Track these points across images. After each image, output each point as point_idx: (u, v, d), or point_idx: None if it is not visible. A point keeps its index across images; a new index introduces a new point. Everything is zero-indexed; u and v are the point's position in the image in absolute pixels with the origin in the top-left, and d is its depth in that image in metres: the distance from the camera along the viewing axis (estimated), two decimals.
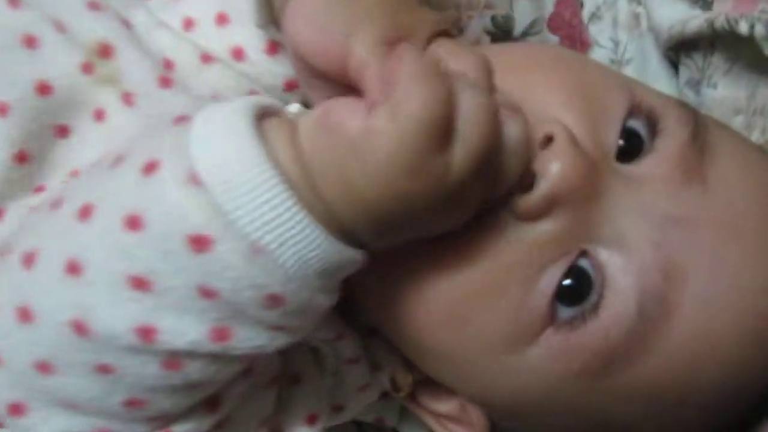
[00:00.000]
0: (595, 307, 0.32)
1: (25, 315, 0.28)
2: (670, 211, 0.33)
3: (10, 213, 0.33)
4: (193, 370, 0.28)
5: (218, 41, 0.36)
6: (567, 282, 0.32)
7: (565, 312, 0.32)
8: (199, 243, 0.25)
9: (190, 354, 0.27)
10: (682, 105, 0.37)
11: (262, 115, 0.28)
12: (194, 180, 0.25)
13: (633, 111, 0.35)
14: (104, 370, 0.28)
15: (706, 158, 0.35)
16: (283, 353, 0.36)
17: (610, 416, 0.35)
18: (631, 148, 0.35)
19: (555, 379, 0.34)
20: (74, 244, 0.27)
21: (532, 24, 0.49)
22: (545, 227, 0.32)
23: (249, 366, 0.32)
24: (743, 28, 0.41)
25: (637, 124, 0.35)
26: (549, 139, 0.31)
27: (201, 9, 0.36)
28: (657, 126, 0.35)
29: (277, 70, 0.36)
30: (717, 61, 0.45)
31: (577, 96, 0.34)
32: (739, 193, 0.34)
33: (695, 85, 0.47)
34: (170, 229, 0.25)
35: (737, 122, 0.45)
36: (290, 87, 0.37)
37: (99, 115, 0.33)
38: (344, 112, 0.27)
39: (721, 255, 0.33)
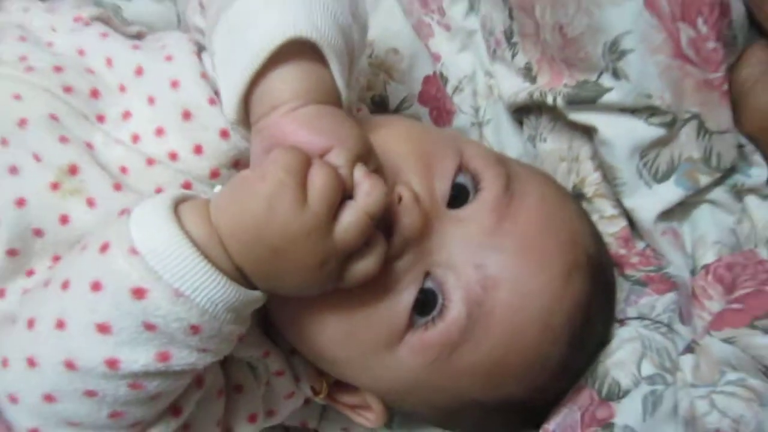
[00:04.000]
0: (441, 312, 0.44)
1: (31, 363, 0.39)
2: (485, 241, 0.45)
3: (9, 292, 0.45)
4: (152, 386, 0.39)
5: (158, 148, 0.47)
6: (418, 296, 0.44)
7: (420, 320, 0.45)
8: (139, 293, 0.37)
9: (146, 374, 0.38)
10: (499, 162, 0.49)
11: (182, 201, 0.40)
12: (133, 251, 0.37)
13: (461, 170, 0.47)
14: (91, 394, 0.39)
15: (514, 202, 0.47)
16: (226, 369, 0.48)
17: (460, 390, 0.48)
18: (460, 197, 0.47)
19: (418, 367, 0.46)
20: (59, 308, 0.39)
21: (404, 100, 0.62)
22: (400, 264, 0.44)
23: (197, 379, 0.44)
24: (549, 99, 0.55)
25: (465, 180, 0.48)
26: (400, 198, 0.44)
27: (144, 125, 0.47)
28: (478, 180, 0.47)
29: (203, 164, 0.47)
30: (544, 121, 0.59)
31: (421, 162, 0.47)
32: (535, 226, 0.47)
33: (532, 140, 0.60)
34: (119, 286, 0.37)
35: (562, 167, 0.58)
36: (214, 175, 0.48)
37: (63, 220, 0.44)
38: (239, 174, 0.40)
39: (520, 270, 0.45)
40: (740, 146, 0.53)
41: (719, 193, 0.54)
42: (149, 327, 0.37)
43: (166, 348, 0.38)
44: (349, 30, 0.45)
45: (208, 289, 0.38)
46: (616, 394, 0.48)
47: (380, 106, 0.62)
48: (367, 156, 0.42)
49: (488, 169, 0.48)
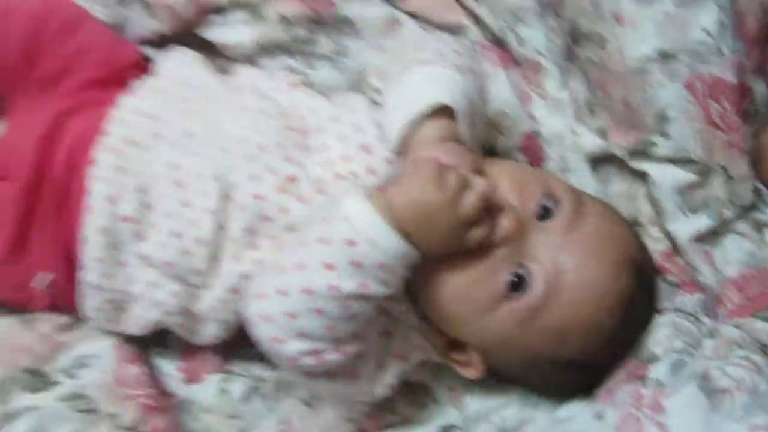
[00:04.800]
0: (527, 289, 0.65)
1: (281, 292, 0.59)
2: (559, 243, 0.66)
3: (242, 259, 0.68)
4: (354, 307, 0.59)
5: (345, 169, 0.69)
6: (513, 279, 0.65)
7: (513, 294, 0.65)
8: (350, 243, 0.58)
9: (353, 296, 0.58)
10: (573, 191, 0.70)
11: (370, 191, 0.63)
12: (346, 219, 0.60)
13: (546, 195, 0.68)
14: (318, 311, 0.58)
15: (580, 218, 0.67)
16: (384, 317, 0.70)
17: (536, 346, 0.67)
18: (546, 213, 0.67)
19: (509, 325, 0.66)
20: (299, 257, 0.59)
21: (509, 149, 0.84)
22: (501, 251, 0.65)
23: (373, 314, 0.64)
24: (617, 152, 0.76)
25: (548, 202, 0.68)
26: (502, 207, 0.65)
27: (336, 154, 0.71)
28: (557, 202, 0.68)
29: (373, 181, 0.69)
30: (613, 168, 0.79)
31: (518, 188, 0.67)
32: (595, 234, 0.67)
33: (604, 182, 0.81)
34: (338, 239, 0.58)
35: (624, 203, 0.78)
36: (380, 189, 0.66)
37: (283, 211, 0.68)
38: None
39: (583, 262, 0.65)
40: (759, 191, 0.72)
41: (743, 226, 0.73)
42: (356, 264, 0.59)
43: (365, 279, 0.60)
44: (475, 101, 0.69)
45: (389, 240, 0.60)
46: (652, 360, 0.67)
47: (491, 153, 0.84)
48: (481, 171, 0.65)
49: (564, 195, 0.69)
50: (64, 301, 0.76)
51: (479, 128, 0.74)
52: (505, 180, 0.68)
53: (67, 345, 0.78)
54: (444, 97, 0.66)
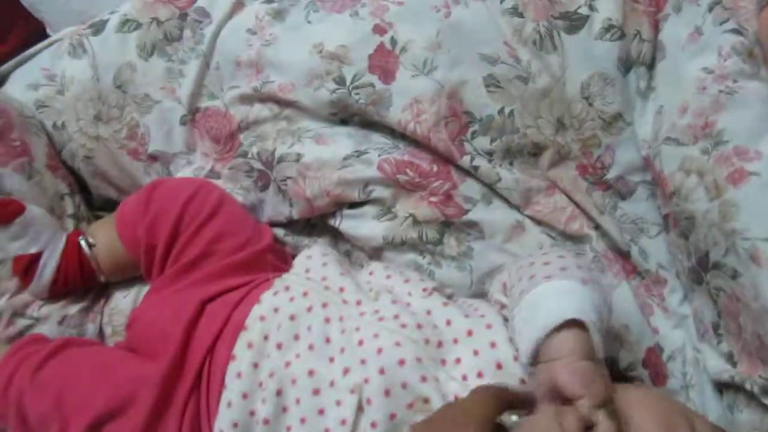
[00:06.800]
0: None
1: None
2: None
3: None
4: None
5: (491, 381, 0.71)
6: None
7: None
8: None
9: None
10: (715, 428, 0.68)
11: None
12: None
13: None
14: None
15: None
16: None
17: None
18: None
19: None
20: None
21: (630, 364, 0.84)
22: None
23: None
24: (747, 386, 0.76)
25: None
26: None
27: (469, 369, 0.72)
28: None
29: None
30: (741, 398, 0.78)
31: (663, 423, 0.63)
32: None
33: (731, 408, 0.79)
34: None
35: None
36: None
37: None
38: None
39: None
40: None
41: None
42: None
43: None
44: (603, 312, 0.70)
45: None
46: None
47: (612, 365, 0.84)
48: (609, 403, 0.63)
49: None
50: None
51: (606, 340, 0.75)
52: (647, 413, 0.67)
53: None
54: (574, 312, 0.67)
